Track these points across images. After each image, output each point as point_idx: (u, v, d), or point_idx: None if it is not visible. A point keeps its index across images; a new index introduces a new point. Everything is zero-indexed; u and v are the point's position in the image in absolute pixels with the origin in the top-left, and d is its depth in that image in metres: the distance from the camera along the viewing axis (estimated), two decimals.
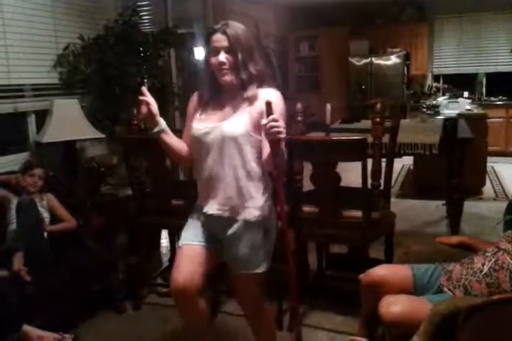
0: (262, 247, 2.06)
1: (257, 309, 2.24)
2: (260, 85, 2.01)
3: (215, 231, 2.11)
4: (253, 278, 2.11)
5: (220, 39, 1.95)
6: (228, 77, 1.97)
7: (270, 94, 1.97)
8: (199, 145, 2.04)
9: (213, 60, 1.97)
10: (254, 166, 2.00)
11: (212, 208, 2.06)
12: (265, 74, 2.04)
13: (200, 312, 2.12)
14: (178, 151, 2.14)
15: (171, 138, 2.10)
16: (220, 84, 2.03)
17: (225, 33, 1.95)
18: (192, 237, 2.12)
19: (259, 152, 1.98)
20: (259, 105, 1.92)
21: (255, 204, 2.02)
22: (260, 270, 2.07)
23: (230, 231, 2.04)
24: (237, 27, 1.98)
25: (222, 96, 2.07)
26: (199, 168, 2.08)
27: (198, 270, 2.05)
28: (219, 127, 1.98)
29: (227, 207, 2.03)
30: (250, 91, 1.98)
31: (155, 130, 2.04)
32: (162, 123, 2.05)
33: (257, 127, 1.93)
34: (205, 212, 2.08)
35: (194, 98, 2.18)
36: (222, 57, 1.94)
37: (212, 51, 1.98)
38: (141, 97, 1.99)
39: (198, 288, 2.04)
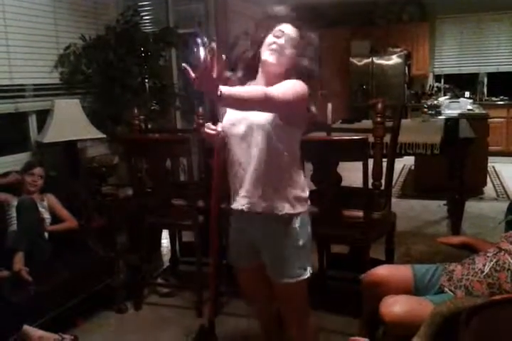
0: (299, 249, 1.95)
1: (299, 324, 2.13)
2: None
3: (252, 236, 2.02)
4: (293, 288, 2.00)
5: (289, 29, 1.93)
6: (274, 59, 1.89)
7: (292, 81, 1.88)
8: (228, 136, 1.97)
9: (271, 38, 1.91)
10: (285, 156, 1.90)
11: (240, 203, 1.95)
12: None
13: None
14: None
15: None
16: (256, 70, 1.97)
17: (297, 27, 1.95)
18: (237, 258, 2.12)
19: (290, 141, 1.92)
20: None
21: (286, 197, 1.92)
22: (300, 277, 1.97)
23: (264, 230, 1.96)
24: (305, 31, 1.99)
25: (256, 82, 1.98)
26: (230, 161, 1.98)
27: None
28: (247, 117, 1.89)
29: (257, 200, 1.91)
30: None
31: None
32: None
33: (285, 115, 1.85)
34: (236, 210, 1.97)
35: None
36: (283, 41, 1.90)
37: (274, 31, 1.92)
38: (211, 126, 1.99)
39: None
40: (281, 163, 1.91)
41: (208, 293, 2.99)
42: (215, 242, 2.27)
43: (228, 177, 2.02)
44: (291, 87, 1.83)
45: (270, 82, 1.89)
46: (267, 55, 1.91)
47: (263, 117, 1.86)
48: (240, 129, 1.91)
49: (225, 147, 2.00)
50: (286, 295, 2.05)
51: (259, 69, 1.97)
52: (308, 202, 2.02)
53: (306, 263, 1.98)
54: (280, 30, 1.92)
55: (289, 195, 1.92)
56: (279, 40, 1.90)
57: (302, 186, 1.99)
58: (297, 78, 1.89)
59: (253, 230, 2.00)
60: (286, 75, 1.92)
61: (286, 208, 1.92)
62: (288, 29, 1.93)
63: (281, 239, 1.94)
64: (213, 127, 1.99)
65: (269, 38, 1.92)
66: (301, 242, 1.95)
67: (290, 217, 1.93)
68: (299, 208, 1.95)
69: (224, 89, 1.60)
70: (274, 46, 1.90)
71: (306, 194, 2.00)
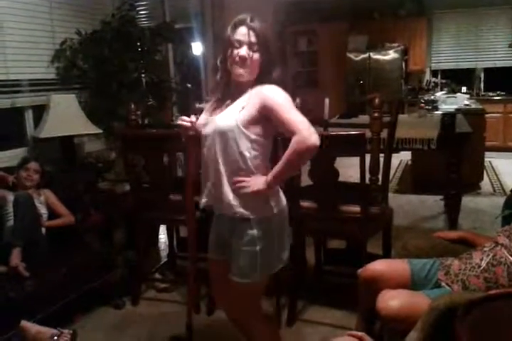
0: (255, 253, 1.92)
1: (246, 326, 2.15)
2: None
3: (221, 230, 2.06)
4: (241, 289, 1.99)
5: (245, 33, 1.87)
6: (243, 72, 1.88)
7: (271, 90, 1.87)
8: (201, 137, 1.99)
9: (234, 52, 1.87)
10: (247, 161, 1.88)
11: (203, 200, 2.01)
12: (283, 80, 1.94)
13: None
14: None
15: None
16: (227, 80, 1.97)
17: (252, 28, 1.87)
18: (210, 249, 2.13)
19: (259, 147, 1.89)
20: (258, 100, 1.86)
21: (245, 204, 1.90)
22: (248, 280, 1.94)
23: (228, 227, 1.98)
24: (263, 24, 1.90)
25: (232, 91, 1.98)
26: (202, 158, 2.01)
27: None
28: (214, 119, 1.92)
29: (215, 200, 1.96)
30: (255, 88, 1.90)
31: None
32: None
33: (252, 123, 1.86)
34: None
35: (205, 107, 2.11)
36: (244, 51, 1.86)
37: (232, 43, 1.88)
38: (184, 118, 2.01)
39: None
40: (242, 167, 1.89)
41: (206, 288, 3.02)
42: (193, 242, 2.29)
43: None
44: (285, 106, 1.83)
45: (242, 90, 1.91)
46: (235, 68, 1.89)
47: (226, 121, 1.87)
48: (207, 131, 1.93)
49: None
50: (233, 293, 2.04)
51: (232, 81, 1.96)
52: (281, 207, 1.99)
53: (260, 269, 1.94)
54: (237, 40, 1.87)
55: (247, 199, 1.90)
56: (241, 51, 1.86)
57: (273, 192, 1.95)
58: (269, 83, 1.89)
59: (221, 225, 2.04)
60: (259, 81, 1.91)
61: (243, 211, 1.90)
62: (244, 35, 1.86)
63: (238, 240, 1.94)
64: (188, 119, 2.01)
65: (232, 53, 1.88)
66: (257, 248, 1.91)
67: (247, 221, 1.91)
68: (260, 213, 1.92)
69: (269, 178, 1.83)
70: (237, 59, 1.87)
71: (276, 199, 1.97)
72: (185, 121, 2.01)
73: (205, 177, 1.99)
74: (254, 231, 1.91)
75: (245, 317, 2.12)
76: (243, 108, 1.88)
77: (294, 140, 1.77)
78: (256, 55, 1.87)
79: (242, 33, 1.87)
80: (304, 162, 1.89)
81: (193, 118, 2.01)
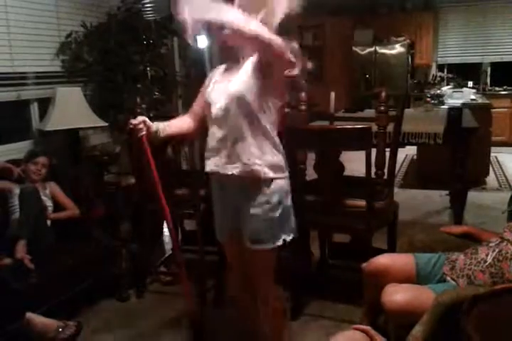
0: (275, 216, 1.98)
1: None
2: None
3: (231, 201, 2.07)
4: (262, 255, 2.04)
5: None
6: (226, 37, 1.93)
7: None
8: (209, 107, 2.02)
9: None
10: (262, 123, 1.95)
11: (212, 164, 2.02)
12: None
13: None
14: (186, 131, 2.19)
15: (173, 128, 2.15)
16: (226, 54, 2.05)
17: None
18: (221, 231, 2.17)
19: (268, 109, 1.96)
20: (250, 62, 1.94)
21: (266, 161, 1.96)
22: (269, 245, 2.00)
23: (240, 194, 2.00)
24: None
25: (228, 64, 2.08)
26: (210, 132, 2.04)
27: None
28: (225, 87, 1.97)
29: (236, 166, 1.95)
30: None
31: (163, 134, 2.10)
32: (159, 124, 2.09)
33: (263, 82, 1.92)
34: (213, 173, 2.04)
35: (212, 73, 2.17)
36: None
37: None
38: (133, 121, 2.02)
39: None
40: (258, 128, 1.94)
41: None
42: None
43: (207, 148, 2.06)
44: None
45: (243, 56, 1.99)
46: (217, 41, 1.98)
47: (239, 86, 1.92)
48: (221, 96, 1.96)
49: (156, 135, 2.08)
50: (252, 262, 2.08)
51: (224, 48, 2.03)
52: (286, 172, 2.04)
53: (278, 233, 2.01)
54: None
55: (268, 159, 1.96)
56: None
57: (282, 155, 2.03)
58: None
59: (231, 194, 2.05)
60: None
61: (265, 171, 1.95)
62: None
63: (257, 207, 1.97)
64: (134, 122, 2.04)
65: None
66: (280, 213, 1.99)
67: (265, 181, 1.96)
68: (271, 173, 1.97)
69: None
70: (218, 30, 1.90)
71: (285, 166, 2.04)
72: (134, 122, 2.03)
73: (216, 142, 1.99)
74: (272, 193, 1.97)
75: (266, 288, 2.13)
76: (254, 70, 1.92)
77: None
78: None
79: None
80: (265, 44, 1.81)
81: (140, 118, 2.04)
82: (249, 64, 1.96)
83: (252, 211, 1.97)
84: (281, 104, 2.03)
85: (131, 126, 2.04)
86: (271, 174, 1.97)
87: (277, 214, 1.98)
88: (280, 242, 2.01)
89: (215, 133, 2.00)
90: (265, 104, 1.95)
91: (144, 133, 2.05)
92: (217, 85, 2.04)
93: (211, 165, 2.03)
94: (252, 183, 1.97)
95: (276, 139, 2.01)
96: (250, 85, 1.92)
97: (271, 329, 2.20)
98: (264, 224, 1.98)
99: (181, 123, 2.20)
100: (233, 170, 1.96)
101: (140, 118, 2.05)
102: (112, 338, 2.77)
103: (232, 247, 2.18)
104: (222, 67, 2.12)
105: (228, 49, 2.03)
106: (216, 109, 1.98)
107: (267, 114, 1.96)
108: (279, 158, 2.00)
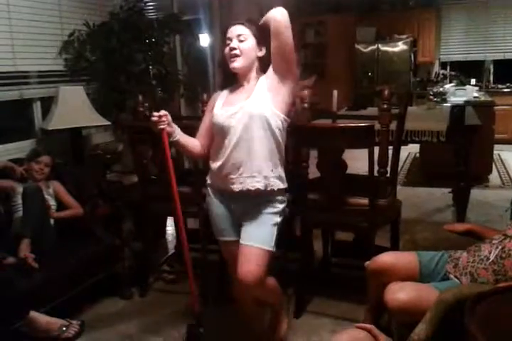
0: (276, 225, 2.17)
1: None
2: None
3: (238, 212, 2.20)
4: (262, 255, 2.15)
5: (234, 29, 2.13)
6: (237, 64, 2.12)
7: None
8: (222, 129, 2.13)
9: (226, 48, 2.13)
10: (277, 136, 2.13)
11: (242, 185, 2.12)
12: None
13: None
14: (192, 149, 2.28)
15: (185, 139, 2.24)
16: (232, 73, 2.18)
17: (240, 23, 2.13)
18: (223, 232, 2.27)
19: (284, 123, 2.14)
20: (268, 77, 2.13)
21: (278, 175, 2.16)
22: (268, 247, 2.13)
23: (257, 205, 2.14)
24: (252, 20, 2.15)
25: (236, 84, 2.22)
26: (220, 152, 2.15)
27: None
28: (244, 108, 2.09)
29: (258, 180, 2.10)
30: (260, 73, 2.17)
31: (174, 138, 2.18)
32: (177, 128, 2.19)
33: (278, 104, 2.11)
34: (231, 191, 2.14)
35: (214, 96, 2.30)
36: (235, 44, 2.10)
37: (226, 42, 2.15)
38: (158, 113, 2.11)
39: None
40: (275, 145, 2.14)
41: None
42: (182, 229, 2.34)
43: (213, 167, 2.20)
44: None
45: (248, 80, 2.18)
46: (231, 63, 2.13)
47: (260, 105, 2.09)
48: (239, 118, 2.09)
49: (170, 135, 2.17)
50: (254, 262, 2.13)
51: (236, 74, 2.19)
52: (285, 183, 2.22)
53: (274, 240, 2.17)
54: (227, 37, 2.14)
55: (280, 174, 2.18)
56: (232, 44, 2.11)
57: (281, 165, 2.21)
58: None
59: (235, 204, 2.20)
60: (261, 68, 2.17)
61: (279, 185, 2.16)
62: (233, 29, 2.13)
63: (263, 211, 2.15)
64: (157, 114, 2.11)
65: (226, 50, 2.14)
66: (280, 218, 2.19)
67: (275, 192, 2.16)
68: (281, 185, 2.18)
69: None
70: (229, 53, 2.12)
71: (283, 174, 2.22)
72: (160, 114, 2.11)
73: (238, 163, 2.11)
74: (280, 202, 2.19)
75: (262, 284, 2.20)
76: (268, 91, 2.11)
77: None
78: (245, 43, 2.11)
79: (231, 30, 2.14)
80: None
81: (164, 111, 2.12)
82: (261, 85, 2.13)
83: (262, 216, 2.15)
84: (289, 120, 2.20)
85: (155, 118, 2.10)
86: (281, 186, 2.17)
87: (280, 220, 2.19)
88: (274, 249, 2.16)
89: (232, 152, 2.11)
90: (279, 121, 2.12)
91: (165, 126, 2.13)
92: (228, 108, 2.15)
93: (229, 183, 2.14)
94: (265, 194, 2.14)
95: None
96: (268, 103, 2.09)
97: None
98: (270, 228, 2.16)
99: (192, 141, 2.29)
100: (256, 184, 2.11)
101: (164, 111, 2.13)
102: (115, 336, 2.77)
103: (232, 246, 2.25)
104: (225, 91, 2.26)
105: (232, 74, 2.20)
106: (235, 129, 2.10)
107: (281, 130, 2.14)
108: (283, 171, 2.21)
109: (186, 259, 2.33)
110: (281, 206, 2.19)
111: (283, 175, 2.19)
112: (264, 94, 2.10)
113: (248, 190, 2.10)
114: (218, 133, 2.17)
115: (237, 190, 2.12)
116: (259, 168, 2.10)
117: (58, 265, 2.81)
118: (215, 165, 2.18)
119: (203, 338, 2.38)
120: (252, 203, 2.15)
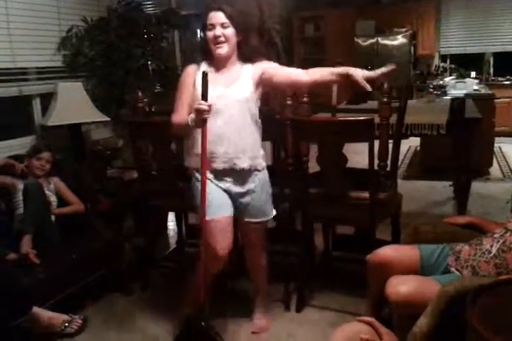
0: (270, 195, 2.54)
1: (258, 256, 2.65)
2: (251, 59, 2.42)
3: (229, 189, 2.42)
4: (261, 227, 2.56)
5: (215, 16, 2.28)
6: (223, 50, 2.31)
7: (267, 62, 2.45)
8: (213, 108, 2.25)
9: (210, 34, 2.29)
10: (257, 120, 2.42)
11: (222, 166, 2.37)
12: (258, 50, 2.45)
13: None
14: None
15: None
16: (213, 57, 2.36)
17: (220, 9, 2.28)
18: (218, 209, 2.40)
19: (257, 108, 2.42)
20: (260, 71, 2.39)
21: (261, 154, 2.47)
22: (271, 217, 2.56)
23: (251, 182, 2.43)
24: (231, 5, 2.32)
25: (216, 68, 2.40)
26: (211, 132, 2.28)
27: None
28: (229, 91, 2.32)
29: (243, 159, 2.36)
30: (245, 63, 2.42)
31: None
32: None
33: (257, 91, 2.41)
34: (217, 170, 2.37)
35: (189, 71, 2.42)
36: (219, 31, 2.27)
37: (208, 27, 2.30)
38: (207, 103, 2.20)
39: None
40: (256, 125, 2.43)
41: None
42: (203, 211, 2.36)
43: (197, 147, 2.33)
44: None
45: (230, 64, 2.40)
46: (215, 50, 2.31)
47: (243, 92, 2.35)
48: (224, 103, 2.31)
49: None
50: (254, 234, 2.57)
51: (216, 58, 2.38)
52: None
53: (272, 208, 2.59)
54: (210, 23, 2.29)
55: (261, 153, 2.48)
56: (216, 32, 2.27)
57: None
58: (248, 58, 2.42)
59: (228, 182, 2.42)
60: (239, 57, 2.41)
61: (262, 163, 2.47)
62: (215, 17, 2.28)
63: (261, 191, 2.48)
64: (206, 103, 2.19)
65: (208, 35, 2.30)
66: (270, 190, 2.56)
67: (262, 169, 2.49)
68: (263, 163, 2.49)
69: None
70: (214, 40, 2.28)
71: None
72: (204, 105, 2.18)
73: (219, 142, 2.32)
74: (266, 177, 2.50)
75: (262, 252, 2.65)
76: (249, 80, 2.37)
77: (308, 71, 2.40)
78: (228, 30, 2.29)
79: (212, 16, 2.29)
80: None
81: (210, 102, 2.20)
82: (246, 73, 2.39)
83: (255, 190, 2.46)
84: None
85: (205, 107, 2.17)
86: (264, 163, 2.48)
87: (270, 190, 2.55)
88: (274, 213, 2.58)
89: (219, 133, 2.32)
90: (257, 106, 2.42)
91: (208, 116, 2.22)
92: (216, 87, 2.28)
93: (219, 162, 2.36)
94: (253, 171, 2.43)
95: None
96: (252, 91, 2.37)
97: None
98: (266, 199, 2.52)
99: None
100: (243, 164, 2.37)
101: (210, 102, 2.21)
102: (117, 332, 2.78)
103: (226, 222, 2.42)
104: (204, 69, 2.35)
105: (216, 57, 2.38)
106: (222, 111, 2.31)
107: (257, 113, 2.41)
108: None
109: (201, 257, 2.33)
110: (267, 177, 2.51)
111: (263, 153, 2.50)
112: (248, 82, 2.36)
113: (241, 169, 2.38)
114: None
115: (236, 168, 2.37)
116: (245, 148, 2.36)
117: (60, 261, 2.81)
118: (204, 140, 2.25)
119: (204, 331, 2.38)
120: (241, 179, 2.42)
